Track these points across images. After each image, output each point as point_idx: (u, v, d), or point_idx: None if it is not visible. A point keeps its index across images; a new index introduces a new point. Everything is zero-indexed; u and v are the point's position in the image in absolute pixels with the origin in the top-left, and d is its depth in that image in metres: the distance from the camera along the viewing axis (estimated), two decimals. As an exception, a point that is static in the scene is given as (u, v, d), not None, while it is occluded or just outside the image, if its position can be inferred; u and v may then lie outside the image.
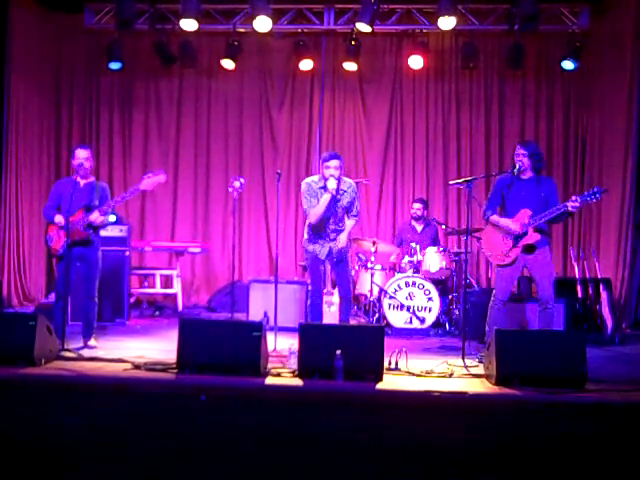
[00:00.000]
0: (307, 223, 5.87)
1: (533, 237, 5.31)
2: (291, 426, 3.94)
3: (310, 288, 5.96)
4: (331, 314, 6.85)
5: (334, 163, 5.58)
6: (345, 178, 5.85)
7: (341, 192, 5.72)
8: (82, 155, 5.78)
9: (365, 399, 4.47)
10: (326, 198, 5.58)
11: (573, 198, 5.18)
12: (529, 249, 5.34)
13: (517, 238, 5.33)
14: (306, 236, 5.87)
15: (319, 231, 5.77)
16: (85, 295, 5.83)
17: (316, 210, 5.64)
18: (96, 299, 5.85)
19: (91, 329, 5.84)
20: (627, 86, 7.71)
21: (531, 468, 3.39)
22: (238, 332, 4.82)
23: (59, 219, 5.68)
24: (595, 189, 5.18)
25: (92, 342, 5.79)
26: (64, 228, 5.58)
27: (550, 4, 8.00)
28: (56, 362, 5.05)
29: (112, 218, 6.23)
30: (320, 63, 8.97)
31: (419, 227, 7.97)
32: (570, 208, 5.14)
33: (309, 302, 5.95)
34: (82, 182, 5.79)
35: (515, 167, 5.37)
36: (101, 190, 5.86)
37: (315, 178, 5.82)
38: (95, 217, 5.63)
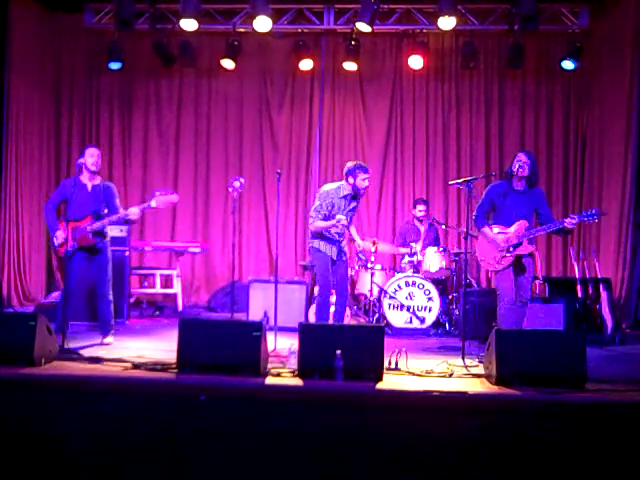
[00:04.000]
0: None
1: (527, 248, 5.42)
2: (291, 426, 3.94)
3: (319, 287, 5.90)
4: (330, 314, 6.85)
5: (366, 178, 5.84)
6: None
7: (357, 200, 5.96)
8: (94, 152, 5.87)
9: (365, 399, 4.46)
10: (333, 223, 5.70)
11: (572, 216, 5.29)
12: (521, 269, 5.43)
13: (511, 247, 5.38)
14: (315, 236, 5.86)
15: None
16: (99, 295, 5.94)
17: (320, 225, 5.75)
18: (110, 297, 5.94)
19: (108, 327, 5.94)
20: (627, 86, 7.71)
21: (531, 468, 3.39)
22: (238, 332, 4.82)
23: (60, 235, 5.75)
24: (594, 210, 5.28)
25: (108, 339, 5.89)
26: (74, 236, 5.69)
27: (550, 4, 7.99)
28: (56, 362, 5.04)
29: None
30: (320, 63, 8.97)
31: (422, 228, 7.95)
32: (567, 225, 5.24)
33: (318, 301, 5.91)
34: (90, 184, 5.87)
35: (514, 173, 5.41)
36: (107, 190, 5.95)
37: (334, 186, 5.87)
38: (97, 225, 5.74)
